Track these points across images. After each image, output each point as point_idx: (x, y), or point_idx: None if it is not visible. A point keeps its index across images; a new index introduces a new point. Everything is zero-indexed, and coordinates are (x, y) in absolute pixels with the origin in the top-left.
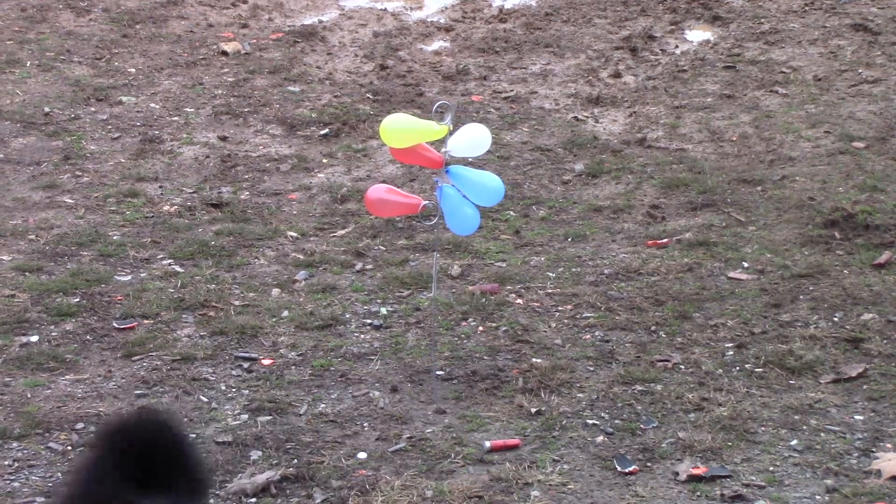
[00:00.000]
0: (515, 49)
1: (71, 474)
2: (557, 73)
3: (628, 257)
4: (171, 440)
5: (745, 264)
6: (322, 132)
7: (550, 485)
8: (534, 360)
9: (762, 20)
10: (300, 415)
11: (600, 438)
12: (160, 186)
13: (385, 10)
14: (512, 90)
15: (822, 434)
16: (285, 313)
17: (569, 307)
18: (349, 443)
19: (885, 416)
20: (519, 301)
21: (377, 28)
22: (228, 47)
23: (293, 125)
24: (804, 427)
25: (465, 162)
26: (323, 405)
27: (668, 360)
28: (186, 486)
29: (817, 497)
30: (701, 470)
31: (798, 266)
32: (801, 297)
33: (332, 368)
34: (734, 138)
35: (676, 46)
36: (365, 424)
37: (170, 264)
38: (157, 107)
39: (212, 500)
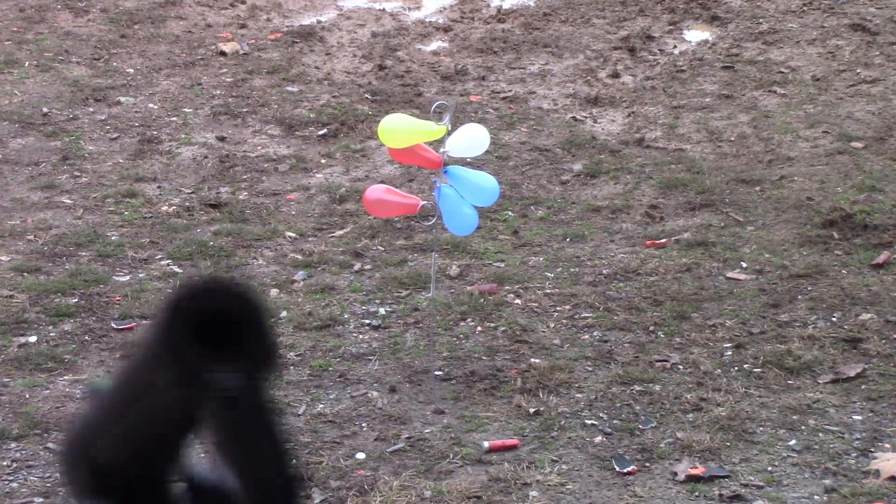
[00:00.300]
0: (514, 49)
1: (141, 344)
2: (556, 73)
3: (627, 257)
4: (243, 306)
5: (744, 264)
6: (320, 132)
7: (549, 485)
8: (532, 360)
9: (760, 20)
10: (298, 415)
11: (599, 438)
12: (158, 187)
13: (383, 10)
14: (510, 90)
15: (820, 434)
16: (284, 313)
17: (567, 307)
18: (347, 443)
19: (884, 416)
20: (517, 301)
21: (375, 28)
22: (227, 48)
23: (291, 125)
24: (802, 427)
25: (463, 162)
26: (321, 405)
27: (666, 361)
28: (258, 351)
29: (816, 497)
30: (699, 470)
31: (796, 266)
32: (799, 297)
33: (330, 369)
34: (732, 138)
35: (675, 46)
36: (363, 425)
37: (168, 265)
38: (156, 107)
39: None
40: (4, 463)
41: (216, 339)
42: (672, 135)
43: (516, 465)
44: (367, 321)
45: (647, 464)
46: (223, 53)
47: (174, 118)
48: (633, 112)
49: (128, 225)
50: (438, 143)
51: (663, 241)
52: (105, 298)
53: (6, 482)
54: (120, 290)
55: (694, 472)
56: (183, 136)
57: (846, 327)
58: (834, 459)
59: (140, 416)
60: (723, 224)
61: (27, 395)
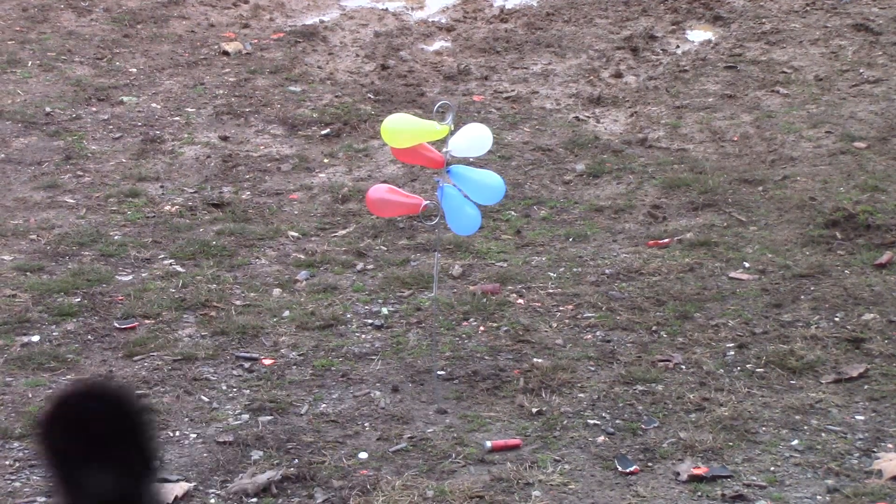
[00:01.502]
0: (517, 49)
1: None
2: (559, 73)
3: (629, 257)
4: (118, 413)
5: (746, 264)
6: (323, 132)
7: (551, 485)
8: (535, 360)
9: (763, 20)
10: (301, 415)
11: (601, 438)
12: (161, 186)
13: (386, 10)
14: (513, 90)
15: (823, 434)
16: (286, 313)
17: (570, 307)
18: (350, 443)
19: (886, 417)
20: (520, 301)
21: (378, 28)
22: (230, 47)
23: (294, 125)
24: (805, 427)
25: (466, 162)
26: (324, 405)
27: (669, 360)
28: (135, 459)
29: (818, 497)
30: (702, 470)
31: (799, 266)
32: (802, 297)
33: (333, 368)
34: (735, 138)
35: (678, 46)
36: (366, 424)
37: (171, 264)
38: (159, 107)
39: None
40: (7, 462)
41: (92, 446)
42: (675, 135)
43: (519, 465)
44: (370, 321)
45: (650, 464)
46: (226, 53)
47: (177, 118)
48: (635, 112)
49: (130, 224)
50: (441, 143)
51: (666, 241)
52: (108, 298)
53: (9, 481)
54: (123, 290)
55: (696, 472)
56: (186, 135)
57: (849, 327)
58: (836, 459)
59: None
60: (725, 224)
61: (30, 395)
